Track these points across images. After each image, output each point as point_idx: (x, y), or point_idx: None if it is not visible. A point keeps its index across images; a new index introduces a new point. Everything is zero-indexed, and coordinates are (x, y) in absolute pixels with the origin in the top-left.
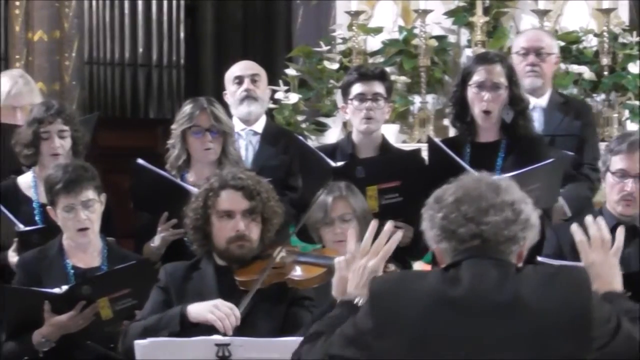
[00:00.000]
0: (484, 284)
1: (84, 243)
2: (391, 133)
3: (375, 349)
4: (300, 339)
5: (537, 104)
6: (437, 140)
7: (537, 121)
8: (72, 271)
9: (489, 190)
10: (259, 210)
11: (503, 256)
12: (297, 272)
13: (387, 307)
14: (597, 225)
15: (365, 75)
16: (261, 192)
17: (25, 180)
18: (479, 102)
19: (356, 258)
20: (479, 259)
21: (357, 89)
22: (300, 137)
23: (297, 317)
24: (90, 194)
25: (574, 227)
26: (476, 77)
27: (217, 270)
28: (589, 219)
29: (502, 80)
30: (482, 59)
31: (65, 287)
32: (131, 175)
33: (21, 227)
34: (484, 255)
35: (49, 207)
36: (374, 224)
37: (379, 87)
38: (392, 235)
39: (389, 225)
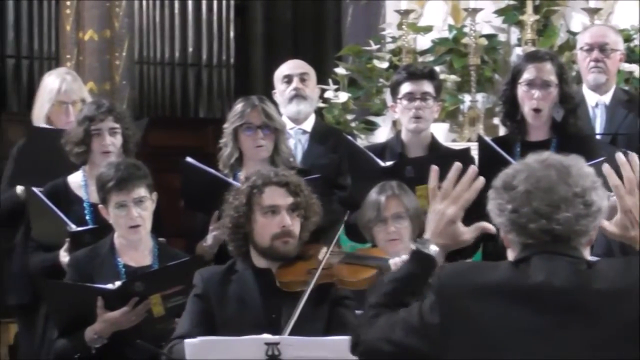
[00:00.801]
0: (556, 281)
1: (135, 241)
2: (441, 132)
3: (442, 345)
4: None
5: (601, 100)
6: (487, 138)
7: (600, 118)
8: (123, 270)
9: (560, 179)
10: (302, 207)
11: (574, 252)
12: (345, 273)
13: (456, 303)
14: (630, 164)
15: (414, 74)
16: (304, 190)
17: (76, 180)
18: (529, 100)
19: (435, 201)
20: (550, 255)
21: (405, 88)
22: (350, 137)
23: (342, 318)
24: (142, 191)
25: (607, 169)
26: (526, 75)
27: (256, 272)
28: (620, 156)
29: (552, 78)
30: (532, 57)
31: (118, 283)
32: (181, 174)
33: (73, 227)
34: (554, 252)
35: (100, 206)
36: (457, 166)
37: (427, 87)
38: (472, 183)
39: (471, 170)
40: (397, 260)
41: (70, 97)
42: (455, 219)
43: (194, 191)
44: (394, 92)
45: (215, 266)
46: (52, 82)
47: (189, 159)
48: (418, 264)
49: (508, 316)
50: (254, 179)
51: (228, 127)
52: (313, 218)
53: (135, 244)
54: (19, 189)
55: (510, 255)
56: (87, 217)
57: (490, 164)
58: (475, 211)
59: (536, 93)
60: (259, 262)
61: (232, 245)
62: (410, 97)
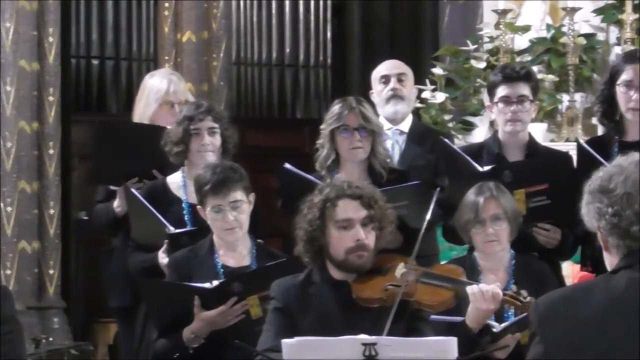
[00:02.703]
0: None
1: (233, 242)
2: (539, 132)
3: None
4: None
5: None
6: (585, 145)
7: None
8: (221, 270)
9: None
10: (377, 219)
11: None
12: (422, 294)
13: (558, 329)
14: None
15: (509, 77)
16: (378, 201)
17: (175, 180)
18: (627, 101)
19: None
20: None
21: (501, 91)
22: (446, 140)
23: (419, 331)
24: (238, 194)
25: None
26: (624, 76)
27: (333, 284)
28: None
29: None
30: (630, 58)
31: (215, 283)
32: (278, 178)
33: (171, 229)
34: None
35: (198, 207)
36: None
37: (524, 89)
38: None
39: None
40: (474, 289)
41: (178, 97)
42: None
43: (291, 195)
44: (490, 94)
45: (290, 277)
46: (158, 83)
47: (286, 165)
48: None
49: (612, 335)
50: (327, 192)
51: (325, 128)
52: (388, 228)
53: (233, 244)
54: (116, 203)
55: (608, 259)
56: (186, 218)
57: (589, 169)
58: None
59: (634, 95)
60: (335, 273)
61: (307, 257)
62: (507, 100)
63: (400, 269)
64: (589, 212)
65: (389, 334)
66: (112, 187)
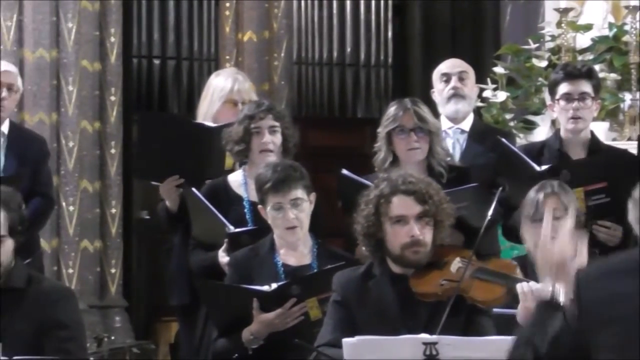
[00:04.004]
0: None
1: (294, 241)
2: (601, 131)
3: (593, 346)
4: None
5: None
6: None
7: None
8: (282, 269)
9: None
10: (431, 214)
11: None
12: (476, 290)
13: (598, 298)
14: None
15: (571, 74)
16: (433, 196)
17: (235, 179)
18: None
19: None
20: None
21: (563, 88)
22: (504, 140)
23: (479, 325)
24: (298, 192)
25: None
26: None
27: (392, 278)
28: None
29: None
30: None
31: (274, 285)
32: (337, 183)
33: (231, 228)
34: None
35: (259, 206)
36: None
37: (586, 86)
38: None
39: None
40: (524, 287)
41: (242, 96)
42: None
43: (350, 200)
44: (552, 92)
45: (352, 270)
46: (223, 81)
47: (343, 171)
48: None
49: None
50: (382, 187)
51: (381, 130)
52: (446, 222)
53: (294, 244)
54: (168, 203)
55: None
56: (247, 216)
57: None
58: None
59: None
60: (395, 267)
61: (367, 251)
62: (568, 97)
63: (456, 264)
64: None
65: (445, 328)
66: (153, 183)
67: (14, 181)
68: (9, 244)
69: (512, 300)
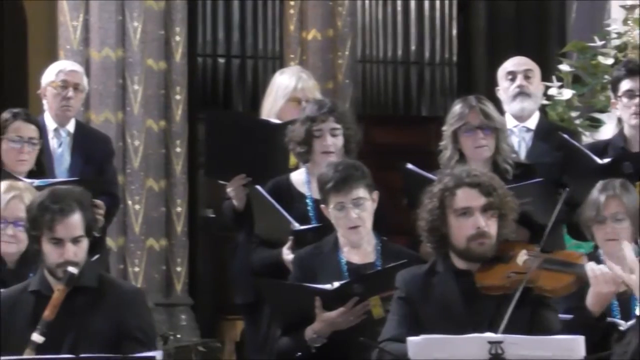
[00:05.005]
0: None
1: (356, 240)
2: None
3: None
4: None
5: None
6: None
7: None
8: (345, 267)
9: None
10: (496, 206)
11: None
12: (544, 280)
13: None
14: None
15: (633, 70)
16: (497, 189)
17: (299, 177)
18: None
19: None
20: None
21: (625, 85)
22: (566, 135)
23: (545, 320)
24: (360, 192)
25: None
26: None
27: (456, 274)
28: None
29: None
30: None
31: (337, 284)
32: (402, 178)
33: (296, 226)
34: None
35: (322, 206)
36: None
37: None
38: None
39: None
40: (594, 267)
41: (305, 94)
42: None
43: (415, 195)
44: (614, 89)
45: (416, 267)
46: (287, 79)
47: (409, 165)
48: None
49: None
50: (446, 181)
51: (447, 129)
52: (510, 216)
53: (357, 242)
54: (236, 202)
55: None
56: (310, 214)
57: None
58: None
59: None
60: (459, 263)
61: (431, 247)
62: (630, 94)
63: (522, 256)
64: None
65: (510, 322)
66: (221, 182)
67: (93, 185)
68: (85, 243)
69: (581, 286)
